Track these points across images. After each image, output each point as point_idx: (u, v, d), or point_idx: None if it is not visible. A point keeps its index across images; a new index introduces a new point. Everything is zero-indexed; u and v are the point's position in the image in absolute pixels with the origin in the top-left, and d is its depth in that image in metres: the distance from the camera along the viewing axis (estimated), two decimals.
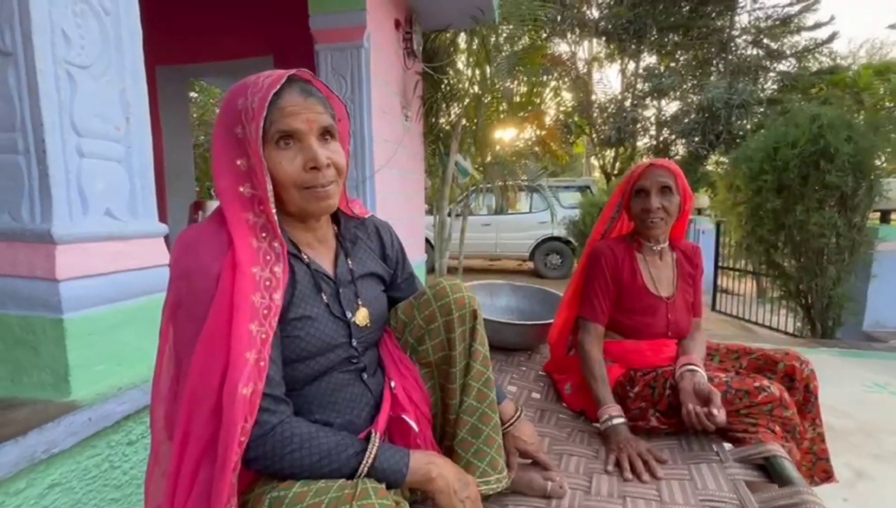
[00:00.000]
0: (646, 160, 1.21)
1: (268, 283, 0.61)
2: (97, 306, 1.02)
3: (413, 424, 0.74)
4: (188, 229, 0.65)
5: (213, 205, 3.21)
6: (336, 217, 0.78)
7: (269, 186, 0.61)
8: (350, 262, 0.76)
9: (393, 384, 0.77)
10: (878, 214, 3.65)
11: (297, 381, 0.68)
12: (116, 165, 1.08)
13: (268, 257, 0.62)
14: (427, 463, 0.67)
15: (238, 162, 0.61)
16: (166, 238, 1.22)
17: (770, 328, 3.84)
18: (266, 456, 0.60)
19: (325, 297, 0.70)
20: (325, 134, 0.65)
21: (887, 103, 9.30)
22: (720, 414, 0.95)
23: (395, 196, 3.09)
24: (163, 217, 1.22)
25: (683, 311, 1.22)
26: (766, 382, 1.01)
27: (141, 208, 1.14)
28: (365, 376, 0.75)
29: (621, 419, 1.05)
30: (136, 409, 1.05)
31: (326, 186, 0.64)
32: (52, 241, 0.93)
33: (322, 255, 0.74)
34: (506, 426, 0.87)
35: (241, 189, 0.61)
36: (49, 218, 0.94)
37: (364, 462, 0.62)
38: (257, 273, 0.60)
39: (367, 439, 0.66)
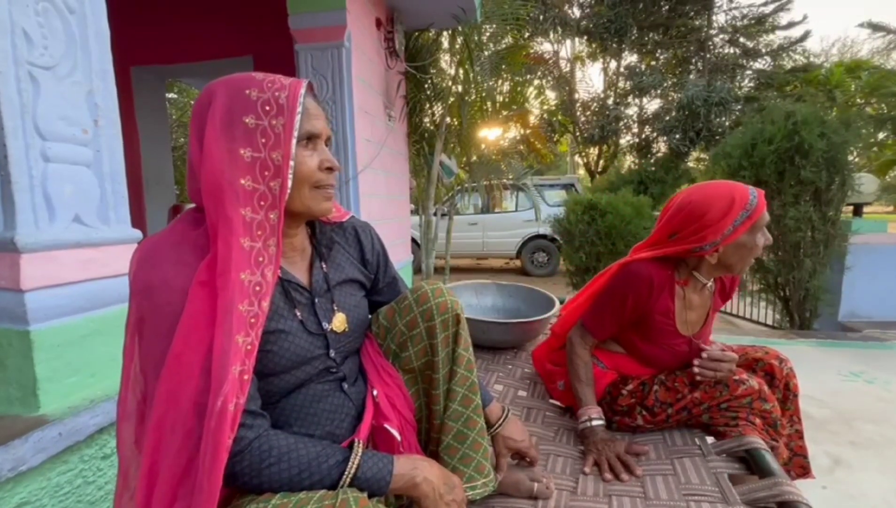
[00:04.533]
0: (756, 191, 0.95)
1: (257, 288, 0.58)
2: (66, 316, 0.98)
3: (396, 433, 0.73)
4: (146, 239, 0.61)
5: None
6: (311, 222, 0.76)
7: (290, 182, 0.60)
8: (326, 268, 0.74)
9: (375, 392, 0.76)
10: (851, 207, 3.76)
11: (273, 395, 0.66)
12: (85, 170, 1.04)
13: (260, 259, 0.58)
14: (411, 469, 0.65)
15: (242, 151, 0.58)
16: None
17: (751, 320, 3.93)
18: (244, 472, 0.58)
19: (299, 310, 0.68)
20: (328, 141, 0.67)
21: (858, 100, 9.62)
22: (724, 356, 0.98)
23: (380, 197, 3.07)
24: (140, 222, 1.19)
25: (703, 342, 1.11)
26: (745, 375, 1.03)
27: (112, 213, 1.10)
28: (345, 385, 0.73)
29: (600, 422, 1.05)
30: (111, 421, 1.01)
31: (332, 188, 0.67)
32: (15, 249, 0.89)
33: (297, 264, 0.71)
34: (494, 427, 0.86)
35: (242, 181, 0.57)
36: (13, 226, 0.90)
37: (346, 471, 0.61)
38: (246, 278, 0.57)
39: (350, 448, 0.64)
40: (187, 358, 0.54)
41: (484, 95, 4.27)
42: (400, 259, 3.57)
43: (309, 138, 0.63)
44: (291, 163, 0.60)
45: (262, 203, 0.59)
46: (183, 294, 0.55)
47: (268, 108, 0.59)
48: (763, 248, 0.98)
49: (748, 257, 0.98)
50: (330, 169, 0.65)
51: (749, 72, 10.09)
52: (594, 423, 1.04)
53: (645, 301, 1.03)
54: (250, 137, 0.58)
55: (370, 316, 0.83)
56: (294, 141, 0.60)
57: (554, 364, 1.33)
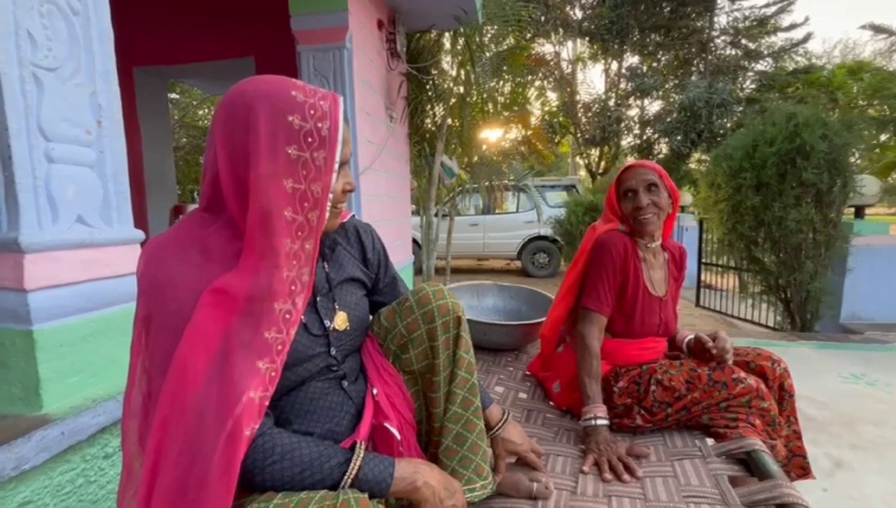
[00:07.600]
0: (628, 161, 1.23)
1: (287, 316, 0.59)
2: (69, 316, 0.98)
3: (395, 432, 0.73)
4: (154, 238, 0.62)
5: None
6: None
7: (328, 213, 0.62)
8: (328, 268, 0.75)
9: (375, 391, 0.76)
10: (853, 209, 3.75)
11: (273, 392, 0.66)
12: (88, 171, 1.05)
13: (293, 288, 0.60)
14: (412, 472, 0.66)
15: (284, 182, 0.58)
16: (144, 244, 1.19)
17: (752, 322, 3.93)
18: (247, 470, 0.58)
19: None
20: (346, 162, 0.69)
21: (860, 102, 9.60)
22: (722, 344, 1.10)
23: (381, 198, 3.07)
24: (142, 223, 1.20)
25: (672, 311, 1.24)
26: (742, 374, 1.04)
27: (115, 213, 1.11)
28: (345, 383, 0.74)
29: (605, 421, 1.05)
30: (113, 421, 1.02)
31: (344, 205, 0.70)
32: (19, 250, 0.90)
33: None
34: (494, 430, 0.87)
35: (286, 212, 0.58)
36: (16, 226, 0.91)
37: (348, 472, 0.61)
38: (278, 307, 0.58)
39: (352, 448, 0.64)
40: (193, 367, 0.54)
41: (485, 96, 4.28)
42: (401, 260, 3.57)
43: (340, 165, 0.65)
44: (330, 195, 0.61)
45: (300, 233, 0.60)
46: (190, 293, 0.56)
47: (310, 139, 0.59)
48: (638, 208, 1.17)
49: (633, 215, 1.19)
50: (349, 191, 0.68)
51: (751, 73, 10.08)
52: (598, 422, 1.04)
53: (622, 263, 1.18)
54: (292, 168, 0.58)
55: (371, 316, 0.83)
56: (335, 175, 0.61)
57: (547, 370, 1.34)
